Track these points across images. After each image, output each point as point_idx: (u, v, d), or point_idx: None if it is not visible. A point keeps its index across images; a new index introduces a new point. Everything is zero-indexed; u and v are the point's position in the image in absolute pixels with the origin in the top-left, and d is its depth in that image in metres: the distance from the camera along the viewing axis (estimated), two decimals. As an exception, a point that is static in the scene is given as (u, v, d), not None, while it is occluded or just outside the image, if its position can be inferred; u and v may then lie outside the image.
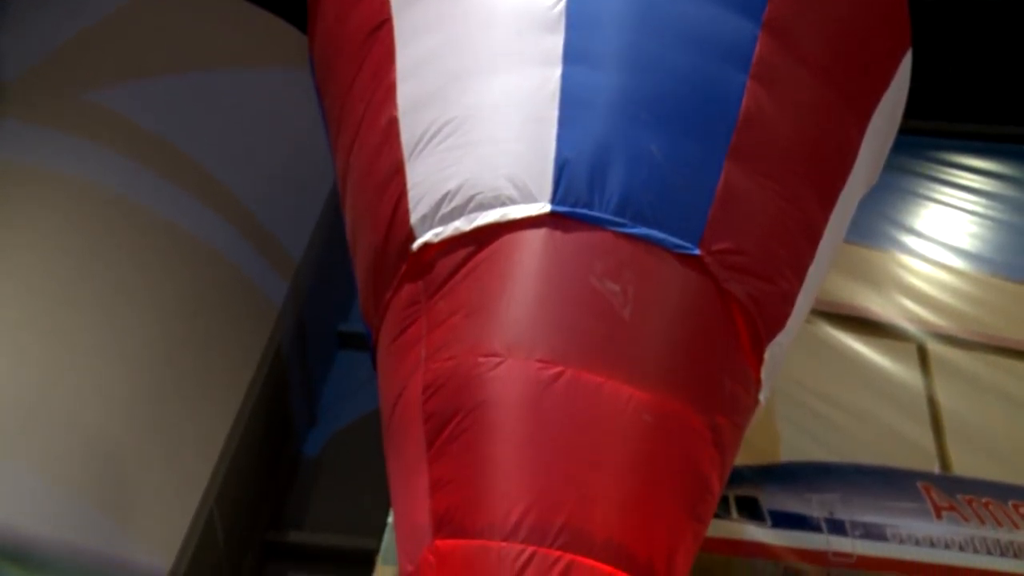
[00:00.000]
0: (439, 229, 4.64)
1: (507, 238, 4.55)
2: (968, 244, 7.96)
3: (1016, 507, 6.34)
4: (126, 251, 6.19)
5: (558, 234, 4.54)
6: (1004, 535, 6.19)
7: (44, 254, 5.83)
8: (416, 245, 4.70)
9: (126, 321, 5.94)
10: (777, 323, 4.90)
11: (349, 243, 5.46)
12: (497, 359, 4.36)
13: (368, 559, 6.18)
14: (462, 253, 4.60)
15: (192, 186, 6.75)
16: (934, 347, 7.23)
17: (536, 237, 4.55)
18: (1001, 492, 6.43)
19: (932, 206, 8.19)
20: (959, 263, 7.80)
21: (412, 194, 4.74)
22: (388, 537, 6.15)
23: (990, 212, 8.11)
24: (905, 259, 7.77)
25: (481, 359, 4.38)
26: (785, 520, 6.14)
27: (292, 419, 7.64)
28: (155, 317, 6.10)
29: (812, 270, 4.97)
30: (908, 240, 7.92)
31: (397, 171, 4.85)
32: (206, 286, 6.58)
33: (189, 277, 6.46)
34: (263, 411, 6.82)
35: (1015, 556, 6.10)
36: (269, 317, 6.98)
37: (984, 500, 6.36)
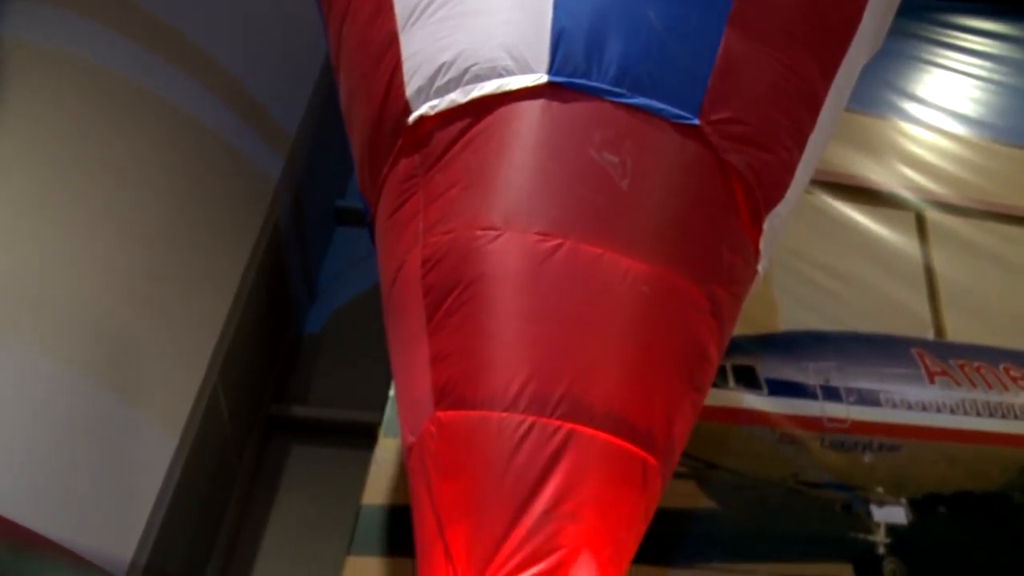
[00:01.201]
0: (435, 102, 4.57)
1: (504, 110, 4.48)
2: (970, 110, 7.87)
3: (1007, 370, 6.44)
4: (121, 130, 6.11)
5: (555, 105, 4.48)
6: (995, 397, 6.30)
7: (41, 135, 5.76)
8: (412, 118, 4.64)
9: (124, 201, 5.90)
10: (776, 193, 4.88)
11: (344, 117, 5.39)
12: (495, 232, 4.35)
13: (370, 432, 6.29)
14: (459, 126, 4.54)
15: (183, 62, 6.63)
16: (932, 215, 7.23)
17: (533, 108, 4.49)
18: (993, 356, 6.52)
19: (935, 71, 8.07)
20: (960, 129, 7.73)
21: (407, 66, 4.65)
22: (390, 410, 6.25)
23: (994, 75, 7.99)
24: (906, 127, 7.70)
25: (479, 232, 4.37)
26: (782, 388, 6.23)
27: (292, 296, 7.68)
28: (152, 197, 6.06)
29: (813, 139, 4.92)
30: (909, 107, 7.83)
31: (391, 43, 4.75)
32: (201, 164, 6.52)
33: (184, 155, 6.40)
34: (263, 288, 6.84)
35: (1003, 417, 6.22)
36: (266, 193, 6.94)
37: (976, 364, 6.46)
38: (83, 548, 4.89)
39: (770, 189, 4.79)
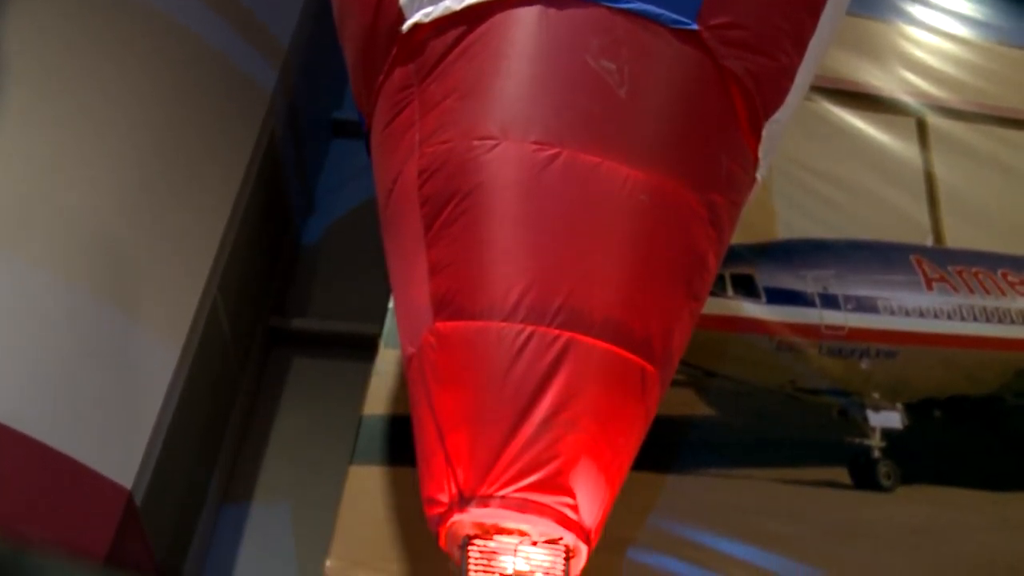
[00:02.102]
0: (429, 9, 4.50)
1: (500, 16, 4.42)
2: (974, 10, 7.74)
3: (1005, 275, 6.46)
4: (112, 43, 6.02)
5: (552, 11, 4.41)
6: (992, 303, 6.32)
7: (33, 52, 5.68)
8: (406, 26, 4.57)
9: (117, 115, 5.84)
10: (776, 100, 4.83)
11: (337, 27, 5.31)
12: (492, 141, 4.32)
13: (371, 343, 6.33)
14: (454, 33, 4.48)
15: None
16: (933, 120, 7.17)
17: (529, 15, 4.42)
18: (992, 262, 6.53)
19: (939, -28, 7.92)
20: (964, 31, 7.62)
21: (400, -28, 4.58)
22: (390, 321, 6.28)
23: (999, -27, 7.85)
24: (909, 30, 7.59)
25: (476, 142, 4.34)
26: (780, 296, 6.26)
27: (289, 207, 7.65)
28: (145, 110, 5.99)
29: (813, 44, 4.85)
30: (913, 9, 7.70)
31: (383, -52, 4.67)
32: (195, 76, 6.43)
33: (177, 67, 6.31)
34: (260, 199, 6.82)
35: (1000, 321, 6.26)
36: (261, 105, 6.87)
37: (974, 270, 6.47)
38: (89, 460, 4.96)
39: (769, 95, 4.74)
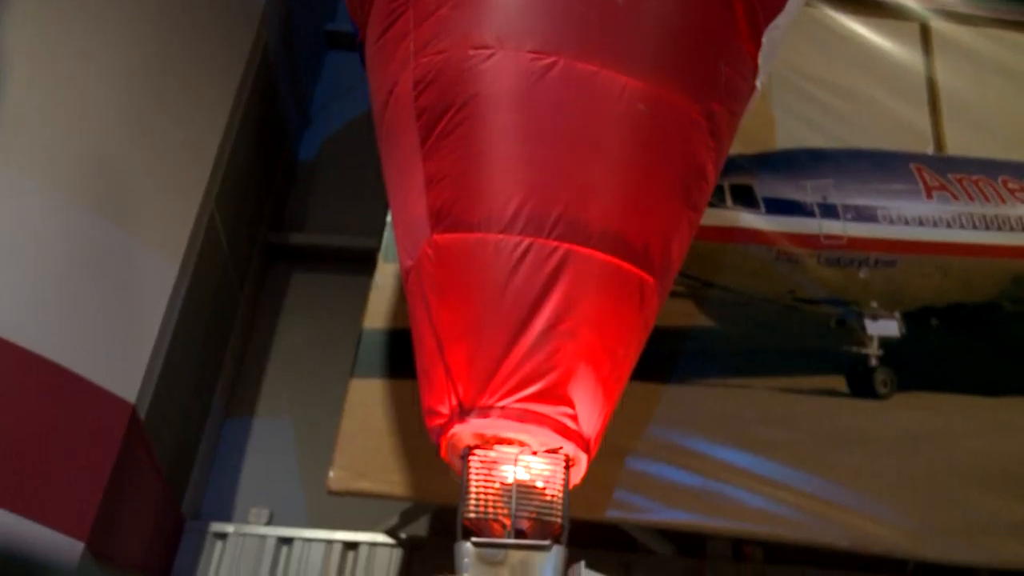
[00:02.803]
0: (422, -85, 4.41)
1: (493, -77, 4.33)
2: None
3: (1005, 182, 6.42)
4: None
5: (547, -83, 4.32)
6: (991, 210, 6.30)
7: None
8: (399, -67, 4.48)
9: (111, 33, 5.75)
10: (776, 4, 4.75)
11: (328, -66, 5.21)
12: (488, 51, 4.26)
13: (369, 258, 6.33)
14: (447, -60, 4.38)
15: None
16: (937, 24, 7.05)
17: (524, -79, 4.33)
18: (992, 169, 6.49)
19: None
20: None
21: None
22: (388, 235, 6.28)
23: None
24: (913, -68, 7.42)
25: (471, 52, 4.28)
26: (779, 206, 6.23)
27: (285, 121, 7.59)
28: (137, 27, 5.89)
29: (814, -54, 4.76)
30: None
31: None
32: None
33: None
34: (254, 113, 6.76)
35: (999, 229, 6.23)
36: (253, 17, 6.76)
37: (975, 178, 6.43)
38: (92, 375, 5.00)
39: (770, 0, 4.67)
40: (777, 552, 6.03)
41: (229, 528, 6.27)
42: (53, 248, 5.11)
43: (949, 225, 6.20)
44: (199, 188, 5.97)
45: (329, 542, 6.23)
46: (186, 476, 6.29)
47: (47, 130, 5.28)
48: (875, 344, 5.87)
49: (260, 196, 7.24)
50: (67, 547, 4.75)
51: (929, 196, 6.31)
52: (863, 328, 5.92)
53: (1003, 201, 6.32)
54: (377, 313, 5.91)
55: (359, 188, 7.50)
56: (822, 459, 5.48)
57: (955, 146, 6.60)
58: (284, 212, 7.68)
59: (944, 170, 6.42)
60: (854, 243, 6.13)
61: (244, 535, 6.24)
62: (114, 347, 5.24)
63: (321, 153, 8.04)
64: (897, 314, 5.97)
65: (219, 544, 6.22)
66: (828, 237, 6.13)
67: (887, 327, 5.92)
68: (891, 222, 6.19)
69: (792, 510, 5.35)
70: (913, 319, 5.98)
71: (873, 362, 5.82)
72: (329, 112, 8.13)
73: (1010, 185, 6.39)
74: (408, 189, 4.42)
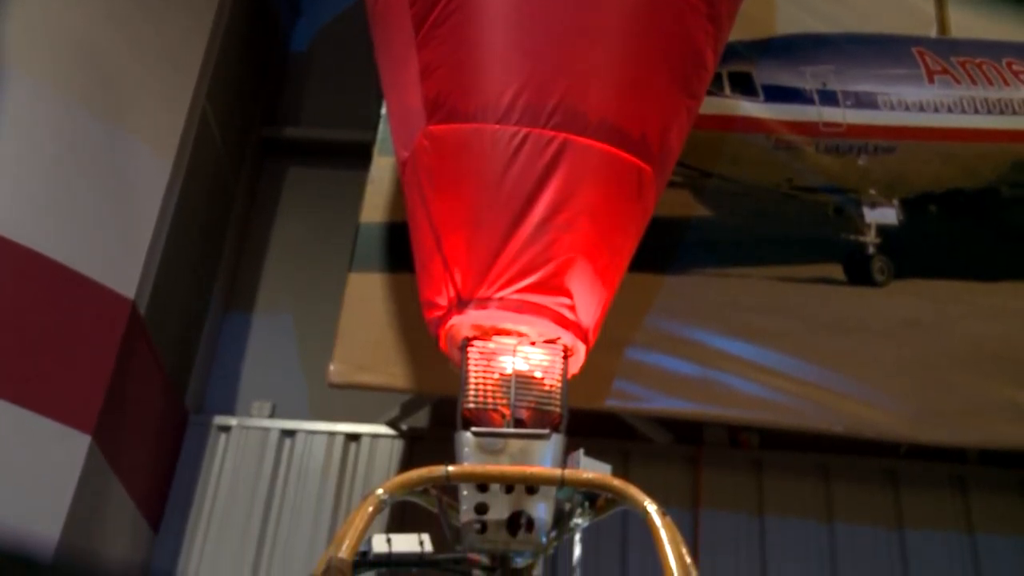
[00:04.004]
0: None
1: None
2: None
3: (1010, 65, 6.31)
4: None
5: None
6: (994, 93, 6.21)
7: None
8: None
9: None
10: None
11: None
12: (482, -63, 4.16)
13: (365, 151, 6.27)
14: None
15: None
16: None
17: None
18: (997, 51, 6.37)
19: None
20: None
21: None
22: (383, 128, 6.20)
23: None
24: None
25: (465, -63, 4.18)
26: (778, 94, 6.15)
27: (274, 13, 7.44)
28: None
29: None
30: None
31: None
32: None
33: None
34: (243, 5, 6.62)
35: (1001, 112, 6.16)
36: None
37: (978, 60, 6.32)
38: (89, 271, 5.01)
39: None
40: (773, 438, 6.14)
41: (232, 421, 6.36)
42: (47, 146, 5.07)
43: (950, 110, 6.13)
44: (189, 83, 5.89)
45: (331, 434, 6.33)
46: (188, 371, 6.35)
47: (38, 30, 5.19)
48: (873, 232, 5.86)
49: (253, 90, 7.15)
50: (74, 440, 4.82)
51: (931, 80, 6.22)
52: (861, 216, 5.90)
53: (1007, 84, 6.23)
54: (374, 206, 5.88)
55: (353, 80, 7.39)
56: (818, 346, 5.53)
57: (958, 28, 6.47)
58: (278, 106, 7.58)
59: (947, 53, 6.30)
60: (853, 130, 6.07)
61: (247, 428, 6.33)
62: (111, 244, 5.23)
63: (313, 45, 7.90)
64: (895, 201, 5.95)
65: (223, 437, 6.31)
66: (827, 124, 6.06)
67: (885, 214, 5.91)
68: (891, 108, 6.12)
69: (788, 397, 5.41)
70: (911, 206, 5.96)
71: (870, 250, 5.82)
72: (320, 2, 7.96)
73: (1015, 67, 6.29)
74: (403, 80, 4.35)
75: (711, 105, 5.78)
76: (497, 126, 4.03)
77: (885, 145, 6.06)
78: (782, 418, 5.44)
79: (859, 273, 5.77)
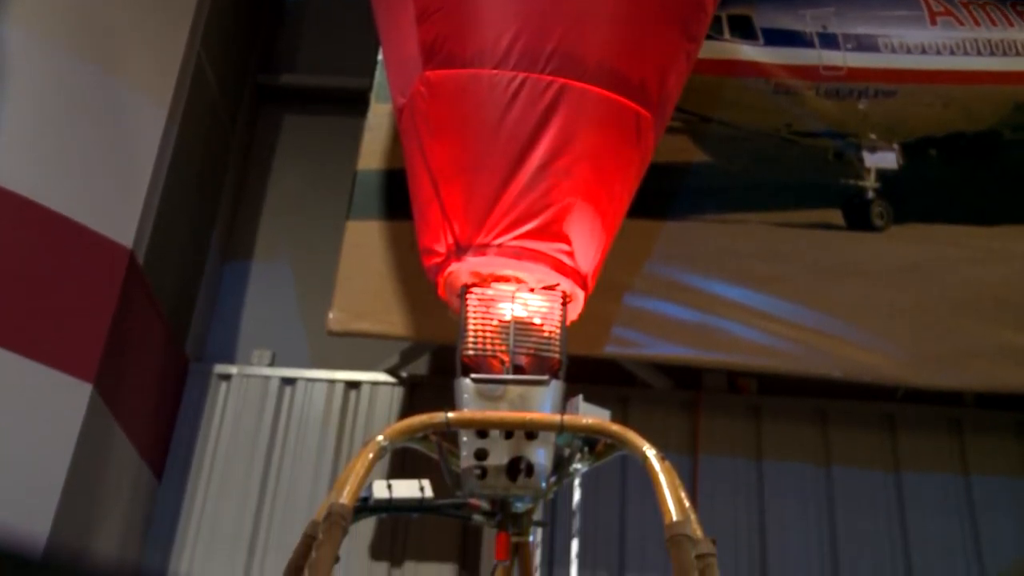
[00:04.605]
0: None
1: None
2: None
3: (1014, 5, 6.24)
4: None
5: None
6: (997, 34, 6.14)
7: None
8: None
9: None
10: None
11: None
12: None
13: (362, 98, 6.22)
14: None
15: None
16: None
17: None
18: (1001, -10, 6.31)
19: None
20: None
21: None
22: (380, 75, 6.15)
23: None
24: None
25: None
26: (778, 37, 6.09)
27: (269, -42, 7.36)
28: None
29: None
30: None
31: None
32: None
33: None
34: (238, -50, 6.55)
35: (1004, 54, 6.09)
36: None
37: (981, 1, 6.25)
38: (87, 220, 4.99)
39: None
40: (771, 383, 6.17)
41: (233, 370, 6.38)
42: (41, 94, 5.03)
43: (952, 52, 6.07)
44: (183, 29, 5.83)
45: (331, 382, 6.35)
46: (188, 319, 6.36)
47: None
48: (872, 176, 5.83)
49: (248, 36, 7.07)
50: (75, 389, 4.84)
51: (933, 22, 6.15)
52: (861, 160, 5.87)
53: (1010, 24, 6.15)
54: (371, 154, 5.85)
55: (349, 26, 7.31)
56: (817, 292, 5.53)
57: (963, -34, 6.40)
58: (274, 52, 7.51)
59: None
60: (854, 73, 6.02)
61: (247, 376, 6.36)
62: (108, 193, 5.21)
63: (308, -10, 7.82)
64: (895, 145, 5.91)
65: (223, 385, 6.33)
66: (827, 68, 6.01)
67: (885, 159, 5.88)
68: (892, 51, 6.06)
69: (786, 342, 5.43)
70: (911, 150, 5.92)
71: (870, 194, 5.80)
72: (315, -53, 7.86)
73: (1019, 8, 6.21)
74: (399, 25, 4.31)
75: (710, 49, 5.73)
76: (494, 71, 3.99)
77: (886, 88, 6.01)
78: (781, 363, 5.46)
79: (858, 218, 5.75)
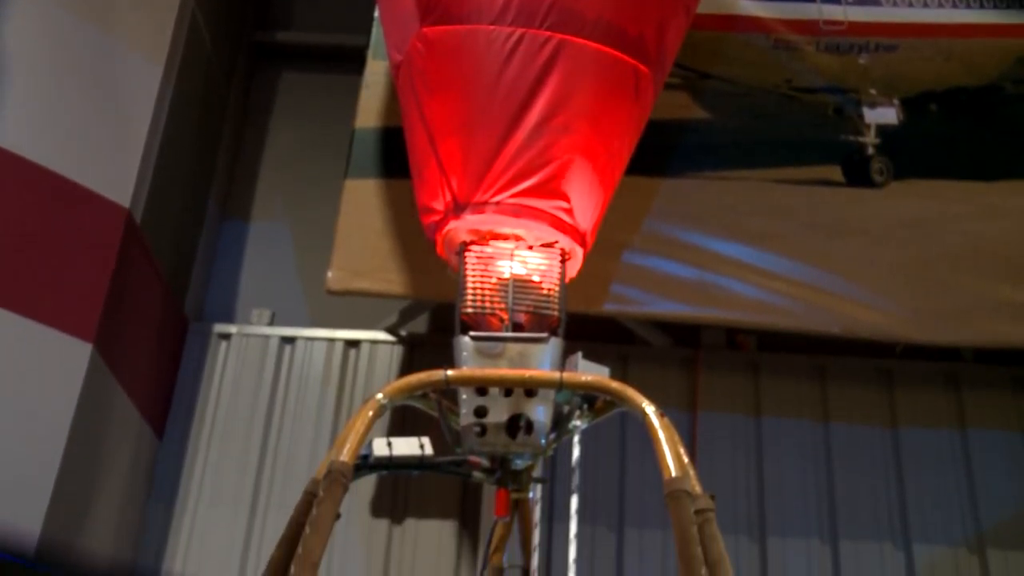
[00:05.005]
0: None
1: None
2: None
3: (1017, -44, 6.18)
4: None
5: None
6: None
7: None
8: None
9: None
10: None
11: None
12: None
13: (359, 55, 6.17)
14: None
15: None
16: None
17: None
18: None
19: None
20: None
21: None
22: (377, 32, 6.09)
23: None
24: None
25: None
26: (778, -11, 6.04)
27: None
28: None
29: None
30: None
31: None
32: None
33: None
34: (231, -96, 6.48)
35: (1008, 6, 6.02)
36: None
37: (984, -46, 6.19)
38: (83, 180, 4.97)
39: None
40: (770, 340, 6.18)
41: (232, 329, 6.39)
42: (35, 53, 4.99)
43: (954, 5, 6.00)
44: (177, -15, 5.78)
45: (331, 341, 6.37)
46: (187, 279, 6.36)
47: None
48: (872, 132, 5.80)
49: (243, -8, 7.02)
50: (75, 348, 4.85)
51: (936, -22, 6.09)
52: (861, 116, 5.84)
53: None
54: (369, 112, 5.81)
55: (345, -17, 7.25)
56: (816, 249, 5.52)
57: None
58: (269, 9, 7.44)
59: None
60: (854, 28, 5.97)
61: (247, 336, 6.37)
62: (104, 152, 5.19)
63: (304, -54, 7.73)
64: (896, 101, 5.87)
65: (223, 345, 6.35)
66: (828, 23, 5.96)
67: (885, 114, 5.84)
68: (894, 4, 6.00)
69: (785, 299, 5.43)
70: (912, 105, 5.88)
71: (870, 150, 5.77)
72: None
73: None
74: (395, -21, 4.27)
75: (709, 4, 5.67)
76: (492, 27, 3.96)
77: (886, 43, 5.96)
78: (780, 320, 5.46)
79: (858, 174, 5.73)
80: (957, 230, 5.54)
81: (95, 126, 5.18)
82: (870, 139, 5.78)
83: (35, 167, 4.81)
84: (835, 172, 5.74)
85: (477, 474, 3.85)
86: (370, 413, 3.47)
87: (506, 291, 3.90)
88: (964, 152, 5.81)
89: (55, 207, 4.90)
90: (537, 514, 4.00)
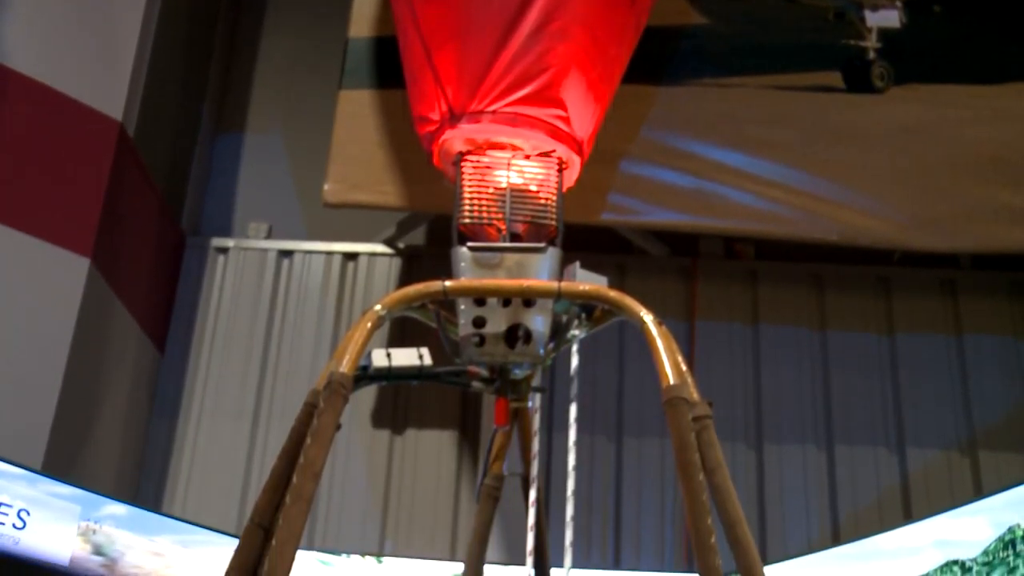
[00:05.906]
0: None
1: None
2: None
3: None
4: None
5: None
6: None
7: None
8: None
9: None
10: None
11: None
12: None
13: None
14: None
15: None
16: None
17: None
18: None
19: None
20: None
21: None
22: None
23: None
24: None
25: None
26: None
27: None
28: None
29: None
30: None
31: None
32: None
33: None
34: None
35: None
36: None
37: None
38: (73, 92, 4.91)
39: None
40: (768, 249, 6.19)
41: (230, 243, 6.39)
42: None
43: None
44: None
45: (328, 253, 6.37)
46: (182, 193, 6.33)
47: None
48: (874, 36, 5.69)
49: None
50: (73, 263, 4.85)
51: None
52: (862, 19, 5.72)
53: None
54: (362, 21, 5.72)
55: None
56: (815, 156, 5.48)
57: None
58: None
59: None
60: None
61: (245, 249, 6.37)
62: (94, 63, 5.11)
63: None
64: (898, 2, 5.76)
65: (221, 259, 6.35)
66: None
67: (887, 17, 5.72)
68: None
69: (783, 207, 5.41)
70: (914, 7, 5.76)
71: (871, 55, 5.68)
72: None
73: None
74: None
75: None
76: None
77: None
78: (777, 228, 5.45)
79: (859, 80, 5.64)
80: (958, 135, 5.47)
81: (83, 37, 5.10)
82: (871, 43, 5.68)
83: (25, 79, 4.75)
84: (836, 78, 5.65)
85: (476, 384, 3.86)
86: (369, 324, 3.47)
87: (503, 201, 3.87)
88: (968, 55, 5.70)
89: (46, 119, 4.86)
90: (536, 423, 4.03)
